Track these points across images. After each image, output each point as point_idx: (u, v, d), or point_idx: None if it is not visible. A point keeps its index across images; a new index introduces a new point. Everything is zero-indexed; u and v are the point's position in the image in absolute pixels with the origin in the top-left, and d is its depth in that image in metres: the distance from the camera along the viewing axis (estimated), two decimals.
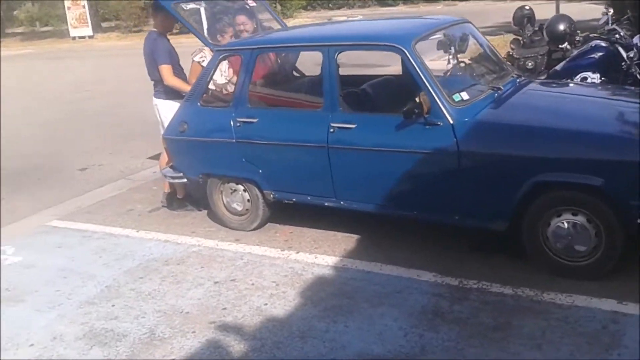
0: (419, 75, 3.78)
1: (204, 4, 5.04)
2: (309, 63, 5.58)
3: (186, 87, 5.02)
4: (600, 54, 5.47)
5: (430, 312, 3.41)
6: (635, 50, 5.31)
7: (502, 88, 4.08)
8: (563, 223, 3.49)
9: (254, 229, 4.83)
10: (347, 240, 4.46)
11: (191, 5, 4.90)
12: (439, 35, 4.16)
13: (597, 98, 4.33)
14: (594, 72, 5.41)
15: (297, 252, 4.37)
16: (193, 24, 4.82)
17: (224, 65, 4.90)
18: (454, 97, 3.78)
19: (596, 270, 3.49)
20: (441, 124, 3.71)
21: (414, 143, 3.81)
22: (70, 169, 7.22)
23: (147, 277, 4.24)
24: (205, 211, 5.38)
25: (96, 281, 4.26)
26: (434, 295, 3.59)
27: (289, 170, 4.41)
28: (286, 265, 4.20)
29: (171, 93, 5.15)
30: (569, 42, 5.61)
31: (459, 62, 4.40)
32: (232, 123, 4.52)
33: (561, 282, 3.54)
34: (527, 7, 7.36)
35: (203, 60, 5.25)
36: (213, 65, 4.66)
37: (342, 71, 4.26)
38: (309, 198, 4.42)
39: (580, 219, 3.46)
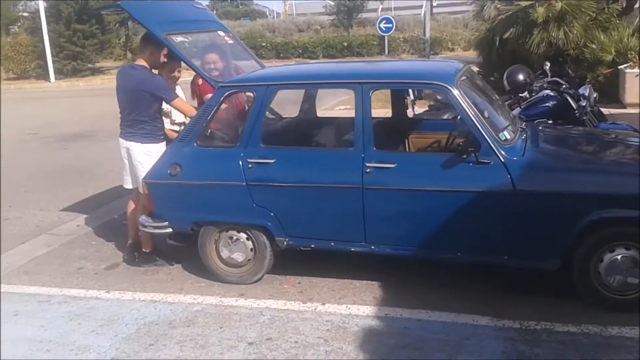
0: (466, 112, 3.72)
1: (190, 37, 4.55)
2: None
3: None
4: (553, 102, 5.88)
5: (515, 357, 3.26)
6: (583, 99, 5.78)
7: (525, 128, 4.17)
8: (617, 258, 3.58)
9: (254, 282, 4.36)
10: (370, 288, 4.17)
11: (180, 38, 4.40)
12: (464, 77, 4.16)
13: (612, 138, 4.57)
14: (548, 120, 5.78)
15: (323, 304, 3.99)
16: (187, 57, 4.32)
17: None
18: (499, 135, 3.77)
19: None
20: (491, 162, 3.66)
21: (462, 182, 3.71)
22: None
23: (159, 344, 3.58)
24: (179, 265, 4.78)
25: (95, 353, 3.51)
26: (507, 339, 3.43)
27: (311, 215, 4.07)
28: (320, 319, 3.80)
29: (149, 135, 4.55)
30: (528, 92, 5.98)
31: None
32: (241, 164, 4.09)
33: (614, 316, 3.59)
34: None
35: None
36: (216, 103, 4.21)
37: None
38: (332, 244, 4.09)
39: (632, 253, 3.57)
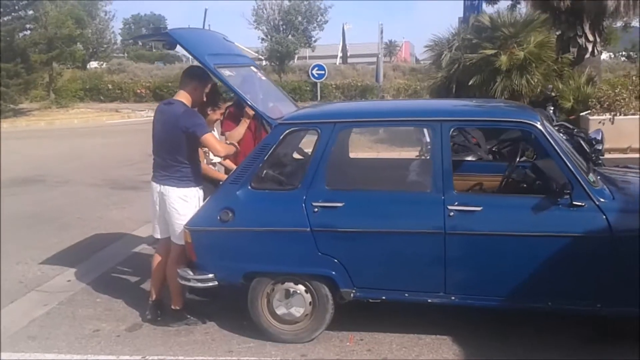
0: (557, 152, 3.55)
1: (234, 72, 4.14)
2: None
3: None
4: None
5: None
6: (597, 143, 5.83)
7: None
8: None
9: (310, 340, 3.92)
10: (444, 343, 3.84)
11: (227, 72, 3.99)
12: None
13: None
14: None
15: None
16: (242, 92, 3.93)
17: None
18: (589, 177, 3.61)
19: None
20: (585, 205, 3.48)
21: (554, 227, 3.50)
22: None
23: None
24: (213, 323, 4.27)
25: None
26: None
27: (384, 263, 3.72)
28: None
29: (185, 179, 4.07)
30: None
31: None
32: (304, 208, 3.71)
33: None
34: None
35: None
36: (274, 141, 3.83)
37: None
38: (406, 295, 3.75)
39: None
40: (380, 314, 4.09)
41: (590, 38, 12.32)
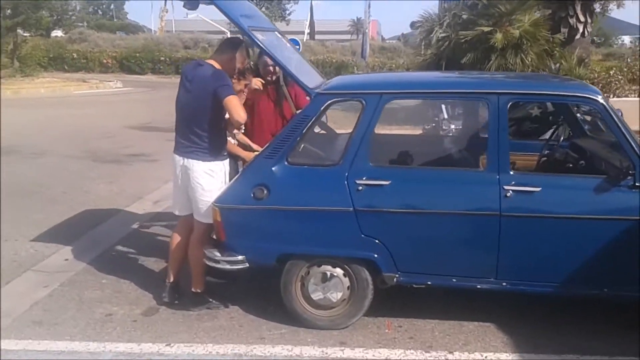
0: (620, 130, 3.34)
1: (265, 36, 3.76)
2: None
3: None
4: None
5: None
6: None
7: None
8: None
9: (346, 327, 3.66)
10: (488, 331, 3.63)
11: (260, 36, 3.63)
12: None
13: None
14: None
15: (451, 352, 3.40)
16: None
17: None
18: None
19: None
20: None
21: (616, 209, 3.30)
22: None
23: None
24: (236, 307, 3.97)
25: None
26: None
27: (432, 246, 3.47)
28: None
29: (211, 152, 3.72)
30: None
31: None
32: (347, 186, 3.42)
33: None
34: None
35: None
36: (314, 113, 3.51)
37: None
38: (454, 280, 3.52)
39: None
40: (413, 299, 3.86)
41: (582, 19, 12.21)
